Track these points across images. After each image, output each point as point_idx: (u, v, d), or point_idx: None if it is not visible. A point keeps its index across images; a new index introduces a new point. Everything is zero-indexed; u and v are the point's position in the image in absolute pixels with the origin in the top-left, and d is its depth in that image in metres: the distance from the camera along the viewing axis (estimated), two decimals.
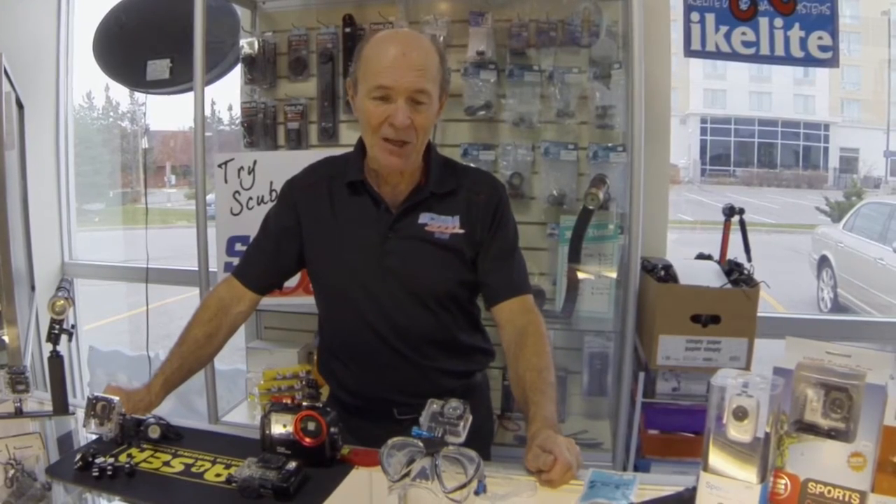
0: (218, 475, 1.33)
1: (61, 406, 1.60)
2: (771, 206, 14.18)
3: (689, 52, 2.51)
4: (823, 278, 7.54)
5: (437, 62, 1.57)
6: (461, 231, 1.63)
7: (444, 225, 1.63)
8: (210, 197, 2.70)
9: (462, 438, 1.18)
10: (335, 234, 1.67)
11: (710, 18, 2.47)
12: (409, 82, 1.50)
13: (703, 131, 18.00)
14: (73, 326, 1.63)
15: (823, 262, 7.58)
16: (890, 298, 6.19)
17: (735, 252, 2.49)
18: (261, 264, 1.76)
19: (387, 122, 1.52)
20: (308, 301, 1.85)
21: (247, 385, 2.84)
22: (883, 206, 7.59)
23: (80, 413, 1.48)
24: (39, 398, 1.70)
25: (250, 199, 2.65)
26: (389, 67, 1.50)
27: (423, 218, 1.63)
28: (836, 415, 1.06)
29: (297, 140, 2.88)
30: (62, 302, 1.59)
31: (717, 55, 2.49)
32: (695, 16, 2.47)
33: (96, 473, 1.30)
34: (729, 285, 2.25)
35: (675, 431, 2.34)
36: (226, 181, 2.66)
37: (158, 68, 3.05)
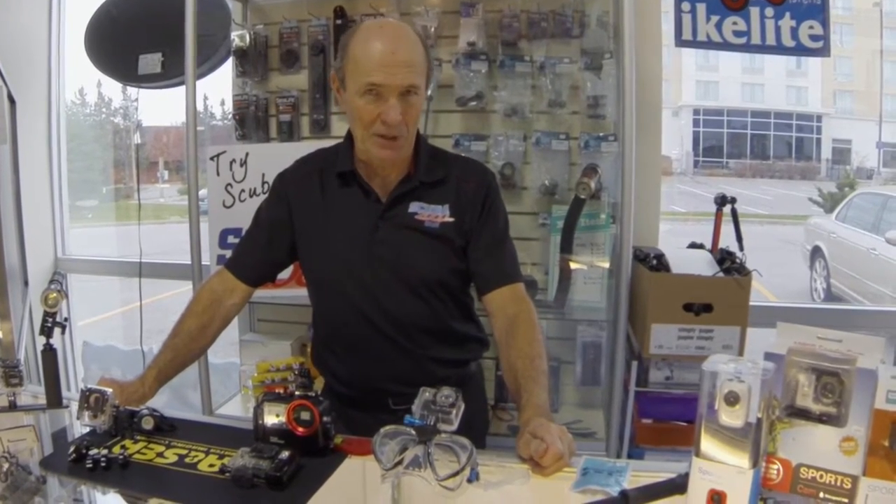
0: (211, 465, 1.33)
1: (55, 399, 1.59)
2: (764, 197, 14.23)
3: (681, 42, 2.51)
4: (816, 269, 7.57)
5: (423, 53, 1.56)
6: (451, 219, 1.63)
7: (434, 214, 1.63)
8: (203, 192, 2.69)
9: (455, 426, 1.18)
10: (326, 225, 1.67)
11: (701, 8, 2.47)
12: (400, 79, 1.49)
13: (696, 123, 18.05)
14: (65, 319, 1.63)
15: (816, 252, 7.61)
16: (882, 288, 6.22)
17: (727, 241, 2.50)
18: (253, 256, 1.76)
19: (379, 119, 1.51)
20: (301, 293, 1.85)
21: (240, 378, 2.84)
22: (875, 197, 7.63)
23: (74, 406, 1.48)
24: (33, 392, 1.69)
25: (242, 191, 2.65)
26: (379, 65, 1.48)
27: (413, 207, 1.63)
28: (828, 399, 1.06)
29: (289, 132, 2.88)
30: (55, 295, 1.59)
31: (709, 45, 2.50)
32: (686, 5, 2.48)
33: (90, 465, 1.30)
34: (721, 274, 2.25)
35: (669, 420, 2.34)
36: (218, 174, 2.66)
37: (150, 62, 3.04)
